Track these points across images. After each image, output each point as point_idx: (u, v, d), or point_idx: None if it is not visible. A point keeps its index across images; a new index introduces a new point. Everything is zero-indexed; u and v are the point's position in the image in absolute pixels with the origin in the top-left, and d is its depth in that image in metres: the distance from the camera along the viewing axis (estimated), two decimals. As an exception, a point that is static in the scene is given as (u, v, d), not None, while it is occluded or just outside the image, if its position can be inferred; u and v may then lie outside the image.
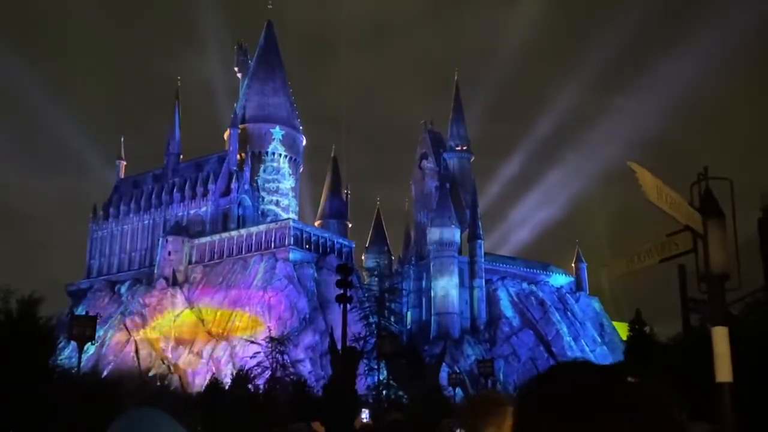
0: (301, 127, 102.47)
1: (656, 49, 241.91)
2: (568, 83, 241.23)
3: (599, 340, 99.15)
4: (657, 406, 0.99)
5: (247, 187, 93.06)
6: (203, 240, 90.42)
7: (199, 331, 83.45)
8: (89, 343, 33.18)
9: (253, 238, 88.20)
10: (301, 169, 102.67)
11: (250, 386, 40.57)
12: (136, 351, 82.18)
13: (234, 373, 48.49)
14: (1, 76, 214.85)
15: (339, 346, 35.64)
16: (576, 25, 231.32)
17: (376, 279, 55.33)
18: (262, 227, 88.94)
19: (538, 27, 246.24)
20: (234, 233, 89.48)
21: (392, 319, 53.13)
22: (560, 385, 1.04)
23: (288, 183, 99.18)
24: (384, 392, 40.04)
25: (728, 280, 5.62)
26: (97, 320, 34.85)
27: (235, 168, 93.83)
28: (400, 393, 42.69)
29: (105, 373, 63.35)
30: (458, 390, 55.05)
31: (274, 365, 43.21)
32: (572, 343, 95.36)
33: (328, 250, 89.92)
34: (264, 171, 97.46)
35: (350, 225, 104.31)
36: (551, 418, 1.00)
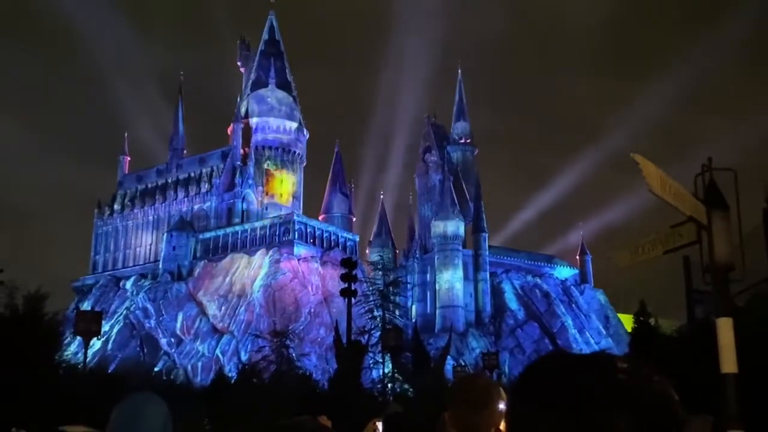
0: (304, 121, 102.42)
1: (664, 38, 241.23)
2: (571, 72, 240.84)
3: (604, 332, 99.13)
4: (652, 394, 1.00)
5: (251, 181, 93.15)
6: (207, 235, 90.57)
7: (204, 325, 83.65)
8: (95, 339, 33.29)
9: (257, 232, 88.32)
10: (305, 163, 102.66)
11: (255, 380, 40.60)
12: (142, 346, 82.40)
13: (239, 367, 48.59)
14: (6, 67, 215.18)
15: (344, 340, 35.70)
16: (579, 16, 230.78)
17: (381, 273, 55.40)
18: (266, 222, 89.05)
19: (542, 18, 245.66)
20: (238, 228, 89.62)
21: (397, 312, 53.21)
22: (554, 375, 1.03)
23: (291, 177, 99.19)
24: (389, 385, 40.11)
25: (733, 271, 5.62)
26: (103, 316, 34.96)
27: (238, 163, 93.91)
28: (405, 386, 42.72)
29: (111, 368, 63.51)
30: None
31: (280, 359, 43.26)
32: (577, 336, 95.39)
33: (333, 244, 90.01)
34: (267, 165, 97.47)
35: (354, 219, 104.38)
36: (546, 408, 1.00)
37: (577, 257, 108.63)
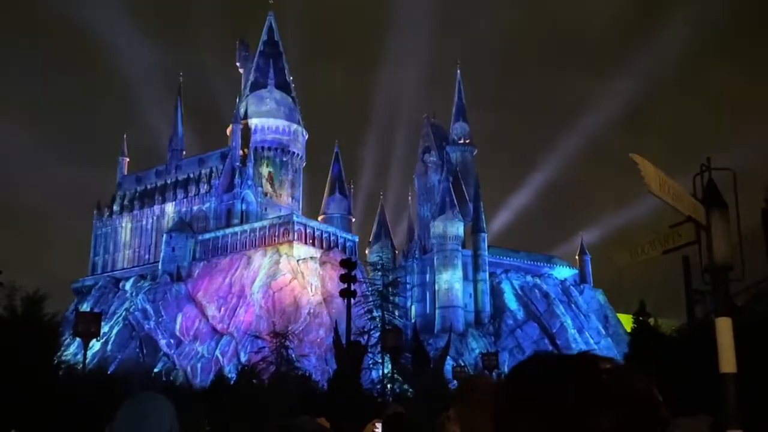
0: (303, 122, 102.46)
1: (658, 34, 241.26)
2: (572, 72, 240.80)
3: (603, 332, 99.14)
4: (634, 394, 1.00)
5: (250, 182, 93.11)
6: (207, 236, 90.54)
7: (203, 326, 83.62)
8: (94, 340, 33.29)
9: (257, 233, 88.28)
10: (304, 164, 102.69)
11: (255, 381, 40.55)
12: (141, 347, 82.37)
13: (239, 368, 48.58)
14: (6, 68, 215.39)
15: (343, 341, 35.67)
16: (581, 14, 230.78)
17: (380, 273, 55.35)
18: (266, 222, 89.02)
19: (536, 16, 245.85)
20: (237, 229, 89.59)
21: (396, 313, 53.10)
22: (536, 376, 1.04)
23: (290, 178, 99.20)
24: (389, 386, 40.09)
25: (732, 271, 5.62)
26: (102, 317, 34.93)
27: (237, 163, 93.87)
28: (405, 386, 42.69)
29: (110, 369, 63.46)
30: (463, 383, 54.95)
31: (279, 360, 43.19)
32: (576, 336, 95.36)
33: (332, 244, 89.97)
34: (266, 166, 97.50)
35: (353, 219, 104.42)
36: (527, 411, 1.00)
37: (577, 257, 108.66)
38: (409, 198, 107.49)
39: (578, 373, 1.01)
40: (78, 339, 33.51)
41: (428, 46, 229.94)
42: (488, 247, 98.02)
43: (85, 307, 80.00)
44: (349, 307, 30.08)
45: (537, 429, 0.98)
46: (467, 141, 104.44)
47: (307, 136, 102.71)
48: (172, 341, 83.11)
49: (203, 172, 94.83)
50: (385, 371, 39.16)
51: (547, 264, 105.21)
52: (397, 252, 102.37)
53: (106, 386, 30.28)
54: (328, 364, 64.48)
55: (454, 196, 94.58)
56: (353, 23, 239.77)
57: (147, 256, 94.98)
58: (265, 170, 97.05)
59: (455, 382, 54.05)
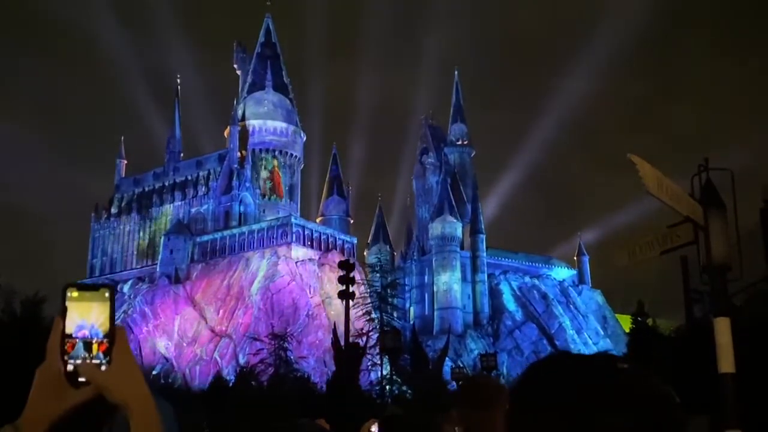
0: (300, 123, 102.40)
1: (658, 35, 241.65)
2: (570, 72, 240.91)
3: (602, 332, 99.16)
4: (652, 395, 1.00)
5: (248, 184, 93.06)
6: (205, 238, 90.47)
7: (201, 328, 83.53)
8: (93, 342, 33.21)
9: (255, 235, 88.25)
10: (302, 166, 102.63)
11: (253, 383, 40.50)
12: (140, 349, 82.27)
13: (237, 370, 48.52)
14: (5, 70, 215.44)
15: (342, 342, 35.64)
16: (581, 13, 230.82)
17: (378, 275, 55.37)
18: (264, 224, 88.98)
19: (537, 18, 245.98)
20: (236, 230, 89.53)
21: (395, 314, 53.12)
22: (554, 376, 1.04)
23: (289, 180, 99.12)
24: (387, 387, 40.06)
25: (730, 271, 5.62)
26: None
27: (235, 165, 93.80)
28: (404, 388, 42.67)
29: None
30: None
31: (278, 362, 43.15)
32: (575, 337, 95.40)
33: (330, 246, 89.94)
34: (264, 168, 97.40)
35: (352, 221, 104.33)
36: (545, 411, 1.00)
37: (575, 258, 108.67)
38: (408, 199, 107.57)
39: (596, 373, 1.01)
40: (76, 341, 33.37)
41: (427, 46, 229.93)
42: (486, 248, 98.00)
43: (84, 310, 79.79)
44: (347, 308, 30.05)
45: (555, 429, 0.98)
46: (465, 142, 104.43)
47: (305, 138, 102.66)
48: (170, 343, 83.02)
49: (201, 174, 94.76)
50: (384, 373, 39.11)
51: (545, 265, 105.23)
52: (395, 253, 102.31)
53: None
54: (326, 366, 64.36)
55: (452, 198, 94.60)
56: (352, 24, 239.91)
57: (145, 259, 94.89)
58: (262, 172, 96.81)
59: (454, 383, 53.99)
